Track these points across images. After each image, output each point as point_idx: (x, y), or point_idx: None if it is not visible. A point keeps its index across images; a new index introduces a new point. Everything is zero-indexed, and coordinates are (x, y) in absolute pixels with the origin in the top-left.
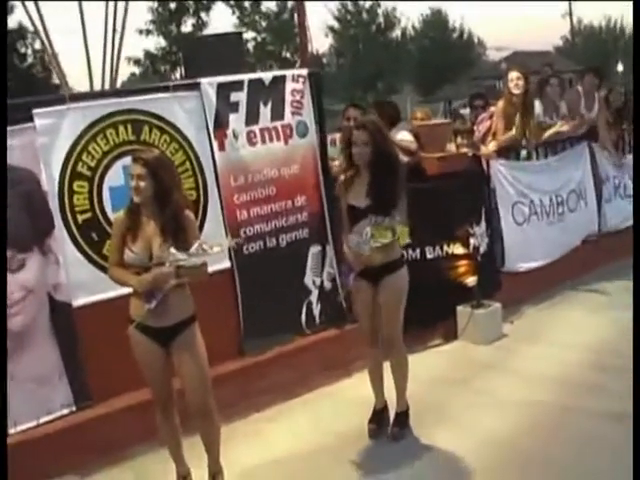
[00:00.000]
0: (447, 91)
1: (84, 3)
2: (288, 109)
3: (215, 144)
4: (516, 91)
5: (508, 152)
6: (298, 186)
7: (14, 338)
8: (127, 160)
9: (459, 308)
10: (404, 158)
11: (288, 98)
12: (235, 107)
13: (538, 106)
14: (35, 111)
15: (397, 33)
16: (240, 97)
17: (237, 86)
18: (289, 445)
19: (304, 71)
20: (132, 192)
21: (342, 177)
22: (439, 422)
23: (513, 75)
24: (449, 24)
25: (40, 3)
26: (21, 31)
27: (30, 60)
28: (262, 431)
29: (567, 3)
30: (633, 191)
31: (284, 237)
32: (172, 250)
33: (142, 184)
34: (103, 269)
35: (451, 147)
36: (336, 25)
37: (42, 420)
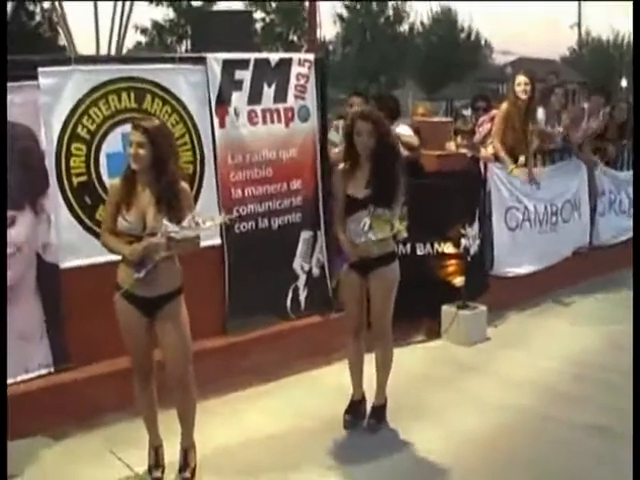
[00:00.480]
0: (450, 90)
1: None
2: (292, 92)
3: (216, 120)
4: (523, 96)
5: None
6: (295, 170)
7: None
8: (127, 127)
9: (444, 307)
10: (404, 152)
11: (293, 81)
12: (239, 85)
13: (541, 113)
14: (40, 69)
15: (405, 27)
16: (245, 75)
17: (243, 64)
18: (264, 426)
19: (311, 56)
20: (130, 159)
21: (341, 166)
22: (416, 418)
23: (521, 79)
24: (458, 23)
25: None
26: None
27: (38, 19)
28: (239, 410)
29: (577, 14)
30: (633, 194)
31: (276, 219)
32: (165, 221)
33: (141, 151)
34: (94, 233)
35: (451, 146)
36: (345, 13)
37: (19, 378)
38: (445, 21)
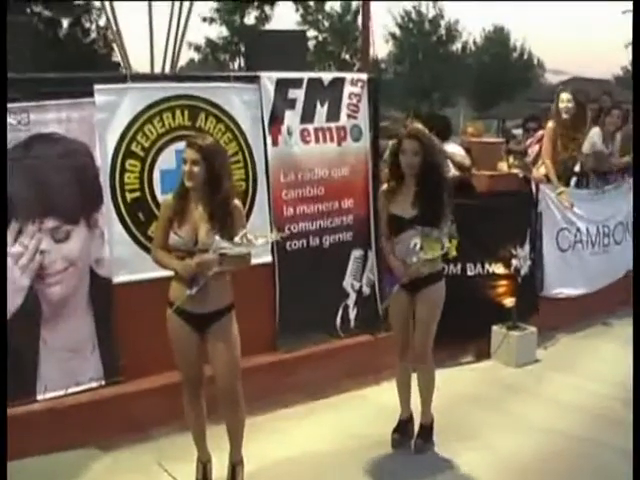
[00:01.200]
0: (502, 109)
1: None
2: (344, 111)
3: (269, 138)
4: (565, 115)
5: (559, 178)
6: (347, 189)
7: (52, 307)
8: (180, 144)
9: (494, 328)
10: (455, 172)
11: (345, 101)
12: (292, 104)
13: (597, 135)
14: (96, 87)
15: (457, 46)
16: (298, 94)
17: (296, 83)
18: (311, 444)
19: (363, 76)
20: (184, 176)
21: (386, 185)
22: (463, 439)
23: (564, 97)
24: (510, 42)
25: None
26: (87, 6)
27: (93, 35)
28: (286, 428)
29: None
30: (633, 196)
31: (328, 238)
32: (217, 238)
33: (195, 169)
34: (146, 249)
35: (503, 166)
36: (397, 32)
37: (71, 390)
38: (497, 40)
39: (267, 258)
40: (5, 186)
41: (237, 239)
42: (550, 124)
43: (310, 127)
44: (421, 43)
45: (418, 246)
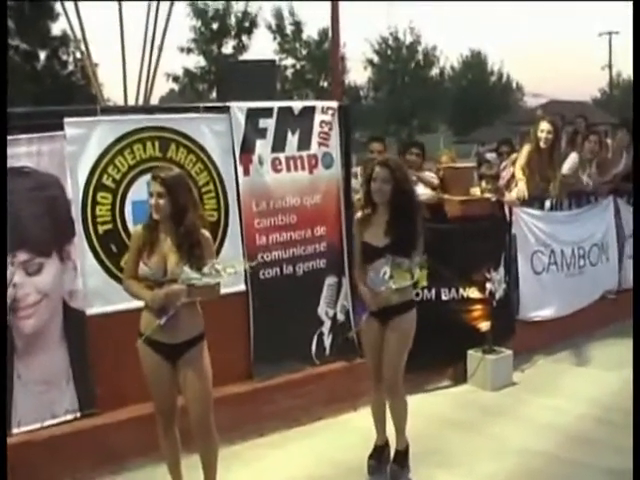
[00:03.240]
0: (482, 133)
1: (125, 18)
2: (315, 140)
3: (240, 168)
4: (543, 145)
5: (532, 201)
6: (319, 216)
7: (25, 340)
8: (148, 177)
9: (470, 352)
10: (426, 192)
11: (316, 129)
12: (263, 133)
13: (573, 159)
14: (66, 120)
15: (436, 71)
16: (269, 124)
17: (267, 113)
18: (287, 472)
19: (334, 104)
20: (151, 209)
21: (359, 214)
22: (440, 464)
23: (544, 127)
24: (488, 66)
25: (82, 12)
26: (64, 39)
27: (70, 68)
28: (262, 456)
29: (607, 56)
30: (633, 201)
31: (301, 265)
32: (185, 268)
33: (160, 201)
34: (119, 280)
35: (475, 191)
36: (375, 59)
37: (46, 423)
38: (475, 65)
39: (241, 287)
40: (5, 188)
41: (206, 269)
42: (527, 147)
43: (281, 156)
44: (399, 69)
45: (388, 275)
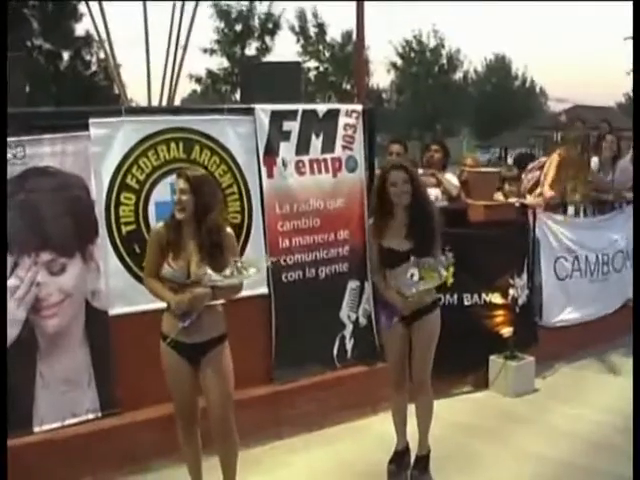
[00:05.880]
0: (505, 138)
1: (149, 18)
2: (339, 143)
3: (264, 170)
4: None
5: (556, 206)
6: (342, 220)
7: (48, 339)
8: (173, 178)
9: (492, 358)
10: (442, 202)
11: (340, 132)
12: (287, 136)
13: (595, 163)
14: (91, 120)
15: (459, 75)
16: (293, 126)
17: (291, 115)
18: (307, 477)
19: (358, 107)
20: (174, 207)
21: (374, 219)
22: (460, 469)
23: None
24: (512, 71)
25: (106, 12)
26: (87, 39)
27: (94, 68)
28: (283, 460)
29: (631, 61)
30: (633, 202)
31: (324, 269)
32: (209, 271)
33: (184, 198)
34: (142, 281)
35: (499, 196)
36: (399, 62)
37: (67, 422)
38: (499, 69)
39: (263, 289)
40: (5, 188)
41: (228, 271)
42: (558, 153)
43: (305, 158)
44: (423, 72)
45: (417, 277)
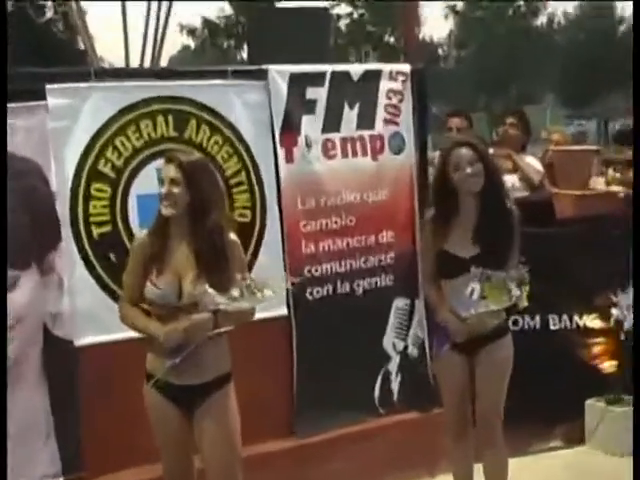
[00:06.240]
0: (605, 105)
1: None
2: (381, 115)
3: (281, 152)
4: None
5: None
6: (385, 217)
7: None
8: (161, 162)
9: (589, 402)
10: (521, 192)
11: (382, 101)
12: (311, 107)
13: None
14: (49, 87)
15: (542, 20)
16: (319, 94)
17: (317, 79)
18: None
19: (406, 67)
20: (161, 202)
21: (433, 215)
22: None
23: None
24: (616, 12)
25: None
26: None
27: (49, 14)
28: None
29: None
30: (633, 196)
31: (361, 283)
32: (209, 290)
33: (175, 190)
34: (116, 300)
35: (598, 183)
36: (459, 4)
37: None
38: (597, 10)
39: (281, 310)
40: (5, 188)
41: (235, 292)
42: None
43: (336, 137)
44: (492, 18)
45: (478, 294)
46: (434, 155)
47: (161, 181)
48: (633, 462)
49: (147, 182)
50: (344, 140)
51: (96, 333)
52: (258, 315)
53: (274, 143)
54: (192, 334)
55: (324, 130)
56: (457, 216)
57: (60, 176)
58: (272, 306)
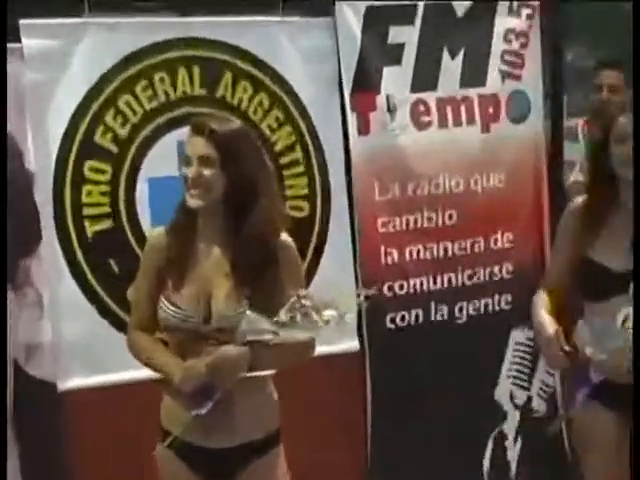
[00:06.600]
0: None
1: None
2: (496, 66)
3: (352, 120)
4: None
5: None
6: (501, 213)
7: None
8: (185, 131)
9: None
10: None
11: (498, 46)
12: (396, 54)
13: None
14: (24, 22)
15: None
16: (407, 36)
17: (404, 15)
18: None
19: None
20: (186, 188)
21: (580, 203)
22: None
23: None
24: None
25: None
26: None
27: None
28: None
29: None
30: (634, 196)
31: (464, 305)
32: (249, 312)
33: (206, 173)
34: (122, 325)
35: None
36: None
37: None
38: None
39: (351, 343)
40: (5, 186)
41: (284, 315)
42: None
43: (430, 98)
44: None
45: (630, 323)
46: (574, 124)
47: (185, 159)
48: (633, 462)
49: (164, 160)
50: (442, 102)
51: (88, 373)
52: (319, 350)
53: (343, 106)
54: (222, 374)
55: (414, 88)
56: (615, 212)
57: (41, 150)
58: (338, 337)
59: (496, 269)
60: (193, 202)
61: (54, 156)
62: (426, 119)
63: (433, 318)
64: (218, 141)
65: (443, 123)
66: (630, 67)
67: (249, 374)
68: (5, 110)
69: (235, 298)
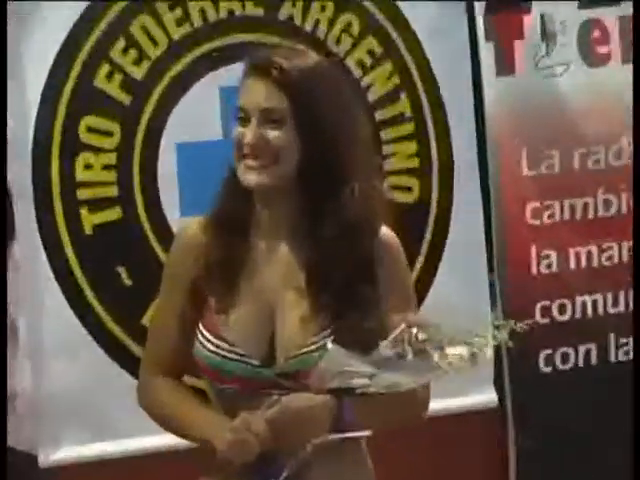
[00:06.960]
0: None
1: None
2: None
3: (487, 53)
4: None
5: None
6: None
7: None
8: (232, 74)
9: None
10: None
11: None
12: None
13: None
14: None
15: None
16: None
17: None
18: None
19: None
20: (238, 159)
21: None
22: None
23: None
24: None
25: None
26: None
27: None
28: None
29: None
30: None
31: None
32: (332, 346)
33: (272, 136)
34: (133, 367)
35: None
36: None
37: None
38: None
39: (487, 394)
40: (5, 185)
41: (386, 352)
42: None
43: (609, 16)
44: None
45: None
46: None
47: (238, 115)
48: (633, 462)
49: (200, 117)
50: (628, 23)
51: (85, 440)
52: (438, 406)
53: (474, 33)
54: (291, 436)
55: (583, 3)
56: None
57: (15, 105)
58: (467, 387)
59: None
60: (251, 179)
61: (33, 112)
62: (602, 50)
63: (613, 357)
64: (290, 86)
65: (628, 56)
66: None
67: (332, 436)
68: (5, 111)
69: (312, 325)
